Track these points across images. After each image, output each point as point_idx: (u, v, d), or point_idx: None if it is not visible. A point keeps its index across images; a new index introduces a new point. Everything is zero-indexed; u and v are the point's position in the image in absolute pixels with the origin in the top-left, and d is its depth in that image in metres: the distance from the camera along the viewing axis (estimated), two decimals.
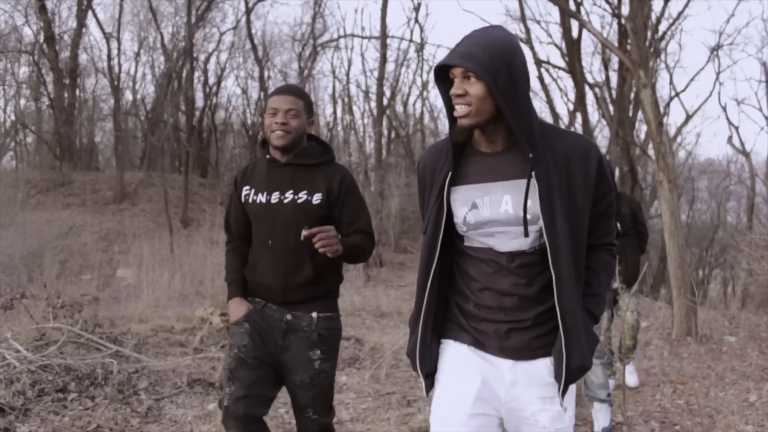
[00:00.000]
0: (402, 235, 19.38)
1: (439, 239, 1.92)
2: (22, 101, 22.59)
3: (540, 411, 1.92)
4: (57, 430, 3.78)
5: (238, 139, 27.21)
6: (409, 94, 26.43)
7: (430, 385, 2.00)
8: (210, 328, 7.16)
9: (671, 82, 29.70)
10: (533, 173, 1.81)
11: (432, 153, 2.04)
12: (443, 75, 1.88)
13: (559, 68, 21.11)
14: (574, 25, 17.68)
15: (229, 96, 26.32)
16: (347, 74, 26.94)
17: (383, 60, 16.50)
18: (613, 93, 19.35)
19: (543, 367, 1.92)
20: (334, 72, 25.14)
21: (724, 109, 34.18)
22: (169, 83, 21.02)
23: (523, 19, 19.36)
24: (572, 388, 1.95)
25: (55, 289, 7.56)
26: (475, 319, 1.95)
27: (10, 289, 6.03)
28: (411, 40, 21.84)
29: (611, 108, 18.81)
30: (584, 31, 17.84)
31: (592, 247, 1.97)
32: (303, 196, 2.68)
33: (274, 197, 2.70)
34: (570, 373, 1.86)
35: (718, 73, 21.42)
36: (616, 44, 15.83)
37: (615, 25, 18.58)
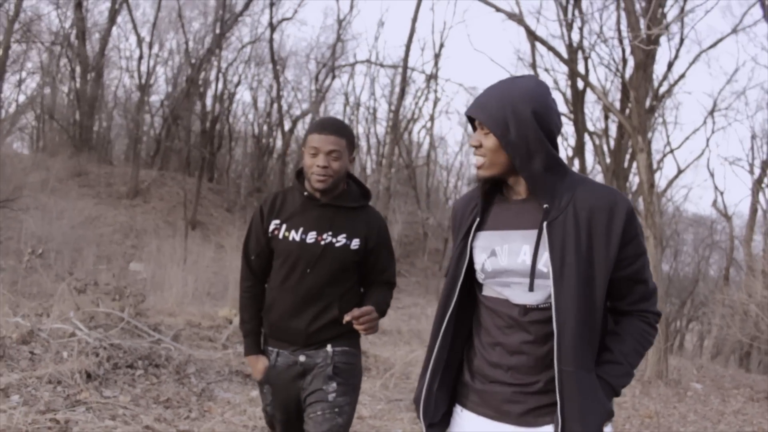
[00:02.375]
0: (401, 259, 20.22)
1: (458, 284, 1.86)
2: (45, 90, 23.35)
3: None
4: (134, 398, 4.58)
5: (245, 147, 28.02)
6: (411, 121, 27.41)
7: None
8: (234, 328, 7.96)
9: (667, 137, 30.78)
10: (544, 224, 1.74)
11: (464, 199, 2.01)
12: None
13: (563, 115, 22.19)
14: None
15: (240, 105, 27.11)
16: (358, 99, 27.86)
17: (402, 94, 17.38)
18: (611, 142, 20.39)
19: None
20: (346, 95, 26.04)
21: (712, 174, 35.41)
22: (190, 88, 21.86)
23: (533, 65, 20.43)
24: None
25: (93, 277, 8.35)
26: (481, 379, 1.86)
27: (77, 276, 6.79)
28: (431, 76, 22.74)
29: (608, 158, 19.83)
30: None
31: (623, 313, 1.85)
32: (342, 239, 2.59)
33: (310, 237, 2.58)
34: None
35: (708, 139, 22.58)
36: (617, 95, 16.87)
37: (619, 82, 19.62)
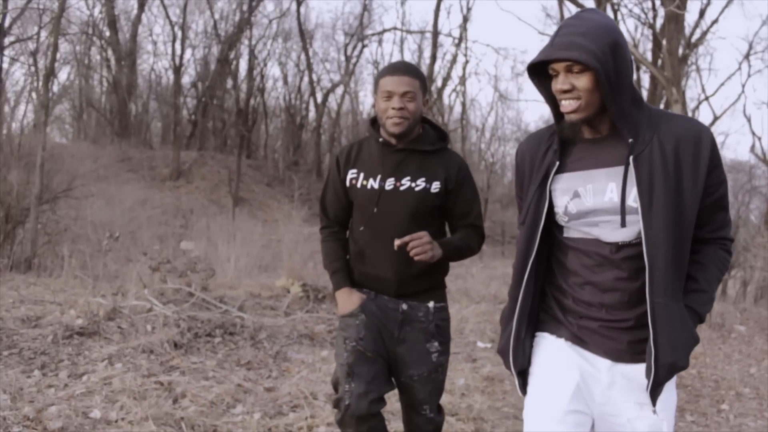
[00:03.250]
0: None
1: (539, 230, 1.84)
2: (78, 80, 23.97)
3: (636, 418, 1.81)
4: (219, 362, 5.03)
5: (279, 122, 28.44)
6: (444, 86, 27.49)
7: (523, 383, 1.92)
8: (293, 296, 8.42)
9: (701, 85, 30.34)
10: (631, 159, 1.72)
11: (532, 142, 1.96)
12: (538, 70, 1.81)
13: None
14: None
15: (270, 80, 27.49)
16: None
17: (433, 59, 17.52)
18: (645, 94, 20.32)
19: (643, 371, 1.78)
20: (375, 64, 26.19)
21: (749, 120, 34.97)
22: (223, 67, 22.25)
23: (562, 19, 20.35)
24: (671, 396, 1.83)
25: (161, 256, 8.88)
26: (574, 315, 1.86)
27: (152, 256, 7.29)
28: (459, 39, 22.79)
29: None
30: None
31: (703, 241, 1.85)
32: (421, 183, 2.53)
33: (389, 183, 2.54)
34: (659, 372, 1.72)
35: (744, 84, 22.25)
36: (649, 46, 16.81)
37: (649, 32, 19.47)
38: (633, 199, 1.73)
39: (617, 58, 1.70)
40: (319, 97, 24.59)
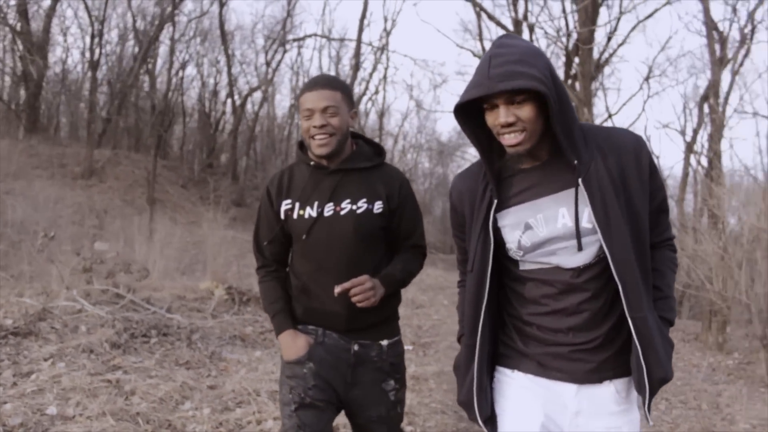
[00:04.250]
0: None
1: (488, 275, 1.79)
2: None
3: None
4: (158, 362, 5.18)
5: (194, 123, 28.08)
6: (363, 95, 27.94)
7: (492, 430, 1.87)
8: (218, 299, 8.54)
9: (606, 103, 32.15)
10: (580, 181, 1.69)
11: (468, 180, 1.89)
12: (464, 108, 1.74)
13: None
14: None
15: (188, 81, 27.07)
16: (307, 73, 28.16)
17: (356, 68, 17.87)
18: None
19: (609, 393, 1.79)
20: (295, 69, 26.34)
21: (648, 138, 37.18)
22: (140, 66, 21.84)
23: (480, 37, 21.18)
24: (636, 415, 1.83)
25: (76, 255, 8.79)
26: (538, 343, 1.81)
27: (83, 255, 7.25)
28: (382, 49, 23.23)
29: None
30: None
31: (653, 246, 1.84)
32: (363, 204, 2.34)
33: (328, 209, 2.35)
34: (653, 386, 1.72)
35: (644, 103, 23.73)
36: (559, 64, 17.79)
37: (560, 52, 20.56)
38: (587, 221, 1.71)
39: (556, 80, 1.67)
40: (237, 100, 24.48)
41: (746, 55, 17.01)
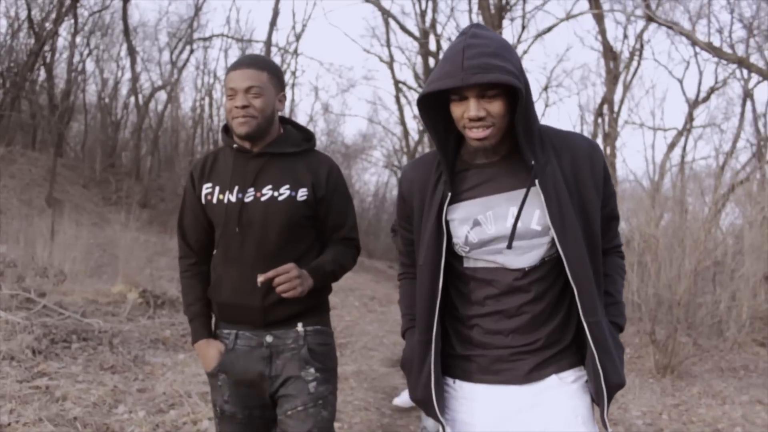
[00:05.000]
0: None
1: (441, 268, 1.74)
2: None
3: None
4: (83, 367, 5.17)
5: (95, 121, 27.12)
6: None
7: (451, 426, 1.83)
8: (132, 303, 8.45)
9: None
10: (536, 181, 1.66)
11: (420, 169, 1.84)
12: (427, 98, 1.68)
13: (413, 89, 23.68)
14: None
15: (90, 77, 26.07)
16: (214, 72, 27.78)
17: None
18: None
19: (553, 383, 1.75)
20: (201, 68, 25.93)
21: None
22: (36, 61, 20.93)
23: (387, 43, 21.65)
24: (587, 398, 1.77)
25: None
26: (478, 348, 1.77)
27: None
28: (295, 52, 23.24)
29: None
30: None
31: (604, 252, 1.80)
32: (285, 191, 2.22)
33: (248, 195, 2.22)
34: (610, 391, 1.69)
35: (542, 113, 24.90)
36: None
37: None
38: (536, 222, 1.69)
39: (524, 75, 1.63)
40: (141, 98, 23.84)
41: (635, 72, 18.24)
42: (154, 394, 4.59)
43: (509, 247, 1.71)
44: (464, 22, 24.83)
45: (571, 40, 50.32)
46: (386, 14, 17.63)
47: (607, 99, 13.27)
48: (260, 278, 2.11)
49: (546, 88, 23.39)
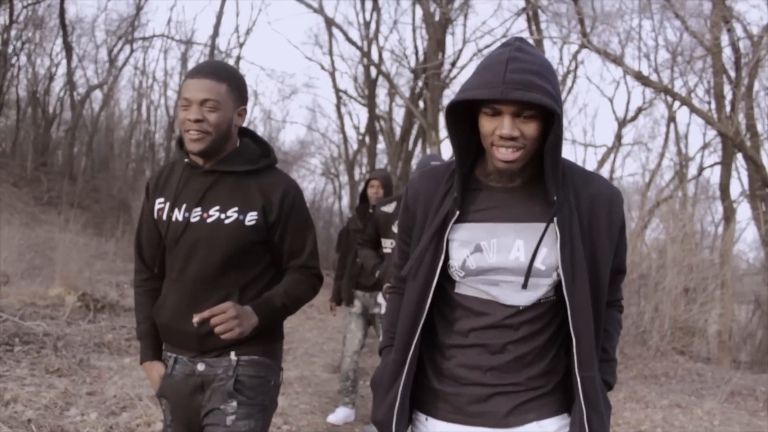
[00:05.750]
0: None
1: (432, 287, 1.64)
2: None
3: None
4: (29, 370, 5.16)
5: (28, 117, 26.30)
6: None
7: None
8: (71, 306, 8.36)
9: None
10: (555, 219, 1.56)
11: (429, 181, 1.73)
12: (455, 107, 1.58)
13: (354, 98, 23.94)
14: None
15: (22, 72, 25.24)
16: (153, 73, 27.36)
17: None
18: (394, 126, 22.52)
19: (533, 430, 1.64)
20: (140, 69, 25.51)
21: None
22: None
23: (330, 52, 21.83)
24: None
25: None
26: (453, 382, 1.67)
27: None
28: (238, 58, 23.11)
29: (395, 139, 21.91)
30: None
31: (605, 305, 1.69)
32: (232, 214, 2.07)
33: (195, 215, 2.09)
34: None
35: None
36: (401, 81, 18.88)
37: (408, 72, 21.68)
38: (541, 261, 1.59)
39: (561, 103, 1.53)
40: (76, 96, 23.27)
41: (569, 91, 19.02)
42: (104, 397, 4.64)
43: (525, 286, 1.60)
44: (407, 35, 25.21)
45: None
46: (330, 23, 17.82)
47: None
48: (195, 318, 1.96)
49: None
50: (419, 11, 17.19)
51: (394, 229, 4.43)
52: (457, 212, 1.64)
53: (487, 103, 1.52)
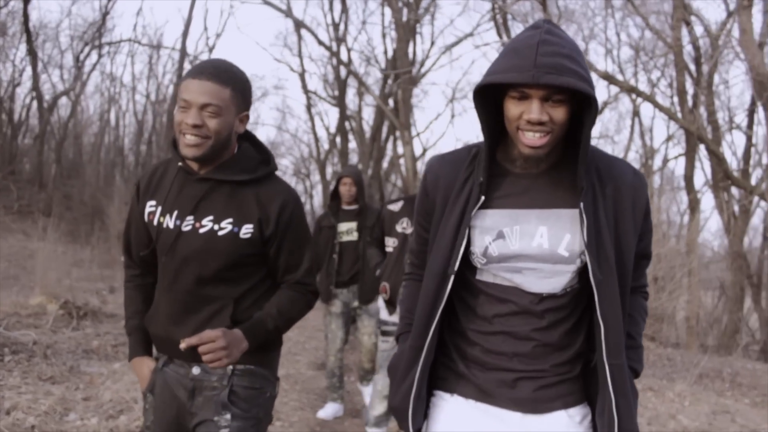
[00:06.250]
0: None
1: (452, 274, 1.60)
2: None
3: None
4: (22, 378, 5.25)
5: None
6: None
7: None
8: (54, 315, 8.40)
9: (414, 122, 34.42)
10: (581, 204, 1.52)
11: (448, 166, 1.69)
12: (483, 87, 1.53)
13: (324, 99, 24.06)
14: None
15: None
16: (120, 78, 27.14)
17: (180, 75, 17.79)
18: (363, 124, 22.72)
19: (560, 420, 1.63)
20: (107, 73, 25.33)
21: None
22: None
23: (299, 53, 21.95)
24: None
25: None
26: (479, 367, 1.65)
27: None
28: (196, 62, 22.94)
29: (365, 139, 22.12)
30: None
31: (631, 290, 1.68)
32: (227, 226, 1.98)
33: (187, 223, 2.00)
34: None
35: (449, 123, 25.82)
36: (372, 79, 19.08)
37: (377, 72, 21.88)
38: (564, 247, 1.56)
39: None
40: (44, 102, 23.02)
41: None
42: (101, 402, 4.76)
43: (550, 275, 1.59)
44: (374, 35, 25.44)
45: (475, 55, 52.19)
46: (300, 25, 17.94)
47: None
48: (182, 345, 1.91)
49: (452, 100, 24.32)
50: (388, 11, 17.44)
51: (398, 228, 4.44)
52: (482, 198, 1.60)
53: (515, 87, 1.49)
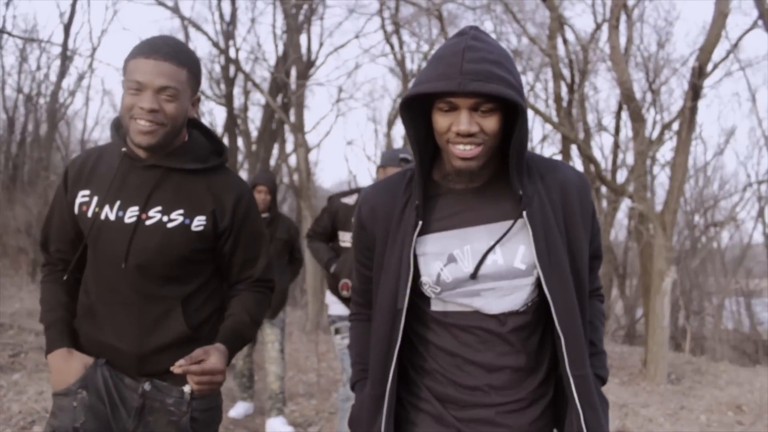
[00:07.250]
0: None
1: (403, 312, 1.49)
2: None
3: None
4: None
5: None
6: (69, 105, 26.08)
7: None
8: None
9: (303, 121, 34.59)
10: (524, 214, 1.45)
11: (383, 192, 1.60)
12: (411, 100, 1.44)
13: (210, 98, 23.63)
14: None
15: None
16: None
17: (62, 75, 17.01)
18: (249, 123, 22.58)
19: None
20: None
21: (347, 160, 41.27)
22: None
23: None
24: None
25: None
26: (455, 406, 1.53)
27: None
28: (91, 61, 21.88)
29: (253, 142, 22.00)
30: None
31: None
32: (177, 217, 1.83)
33: (130, 214, 1.82)
34: None
35: (334, 122, 26.12)
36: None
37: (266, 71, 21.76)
38: (520, 260, 1.48)
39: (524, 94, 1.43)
40: None
41: None
42: (10, 414, 4.70)
43: (473, 276, 1.48)
44: (264, 34, 25.16)
45: (362, 58, 53.22)
46: (187, 21, 17.64)
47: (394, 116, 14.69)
48: (177, 370, 1.70)
49: (338, 101, 24.60)
50: (278, 10, 17.47)
51: (354, 220, 4.12)
52: (420, 223, 1.51)
53: (442, 98, 1.41)
